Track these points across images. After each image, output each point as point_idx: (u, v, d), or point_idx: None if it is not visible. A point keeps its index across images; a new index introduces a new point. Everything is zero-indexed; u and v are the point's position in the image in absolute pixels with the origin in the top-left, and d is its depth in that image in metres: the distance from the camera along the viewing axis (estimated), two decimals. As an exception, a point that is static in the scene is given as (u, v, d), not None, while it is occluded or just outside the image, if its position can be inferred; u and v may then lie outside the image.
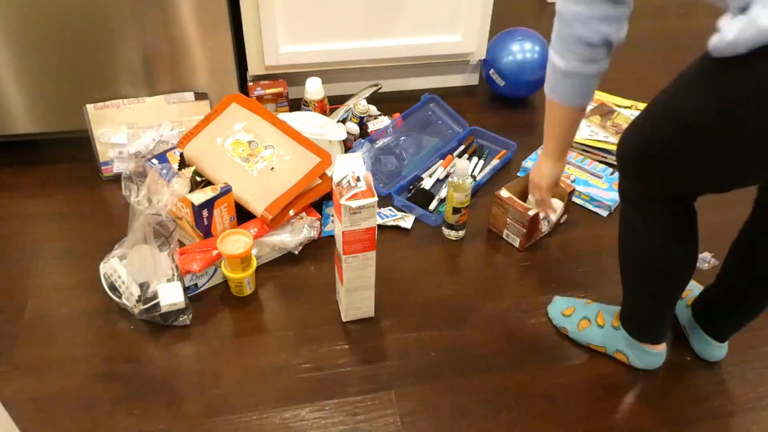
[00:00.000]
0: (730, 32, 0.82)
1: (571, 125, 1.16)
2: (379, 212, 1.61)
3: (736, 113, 0.86)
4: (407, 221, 1.59)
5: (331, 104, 1.89)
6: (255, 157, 1.52)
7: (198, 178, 1.50)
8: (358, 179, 1.20)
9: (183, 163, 1.53)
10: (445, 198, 1.62)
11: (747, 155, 0.89)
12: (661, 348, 1.27)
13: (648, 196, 1.07)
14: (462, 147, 1.83)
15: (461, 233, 1.56)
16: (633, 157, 1.05)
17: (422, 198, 1.64)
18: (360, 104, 1.79)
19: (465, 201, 1.50)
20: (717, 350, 1.31)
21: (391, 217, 1.59)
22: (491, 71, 1.97)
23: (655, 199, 1.07)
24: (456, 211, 1.51)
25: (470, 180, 1.50)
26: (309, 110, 1.83)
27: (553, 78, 1.10)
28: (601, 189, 1.68)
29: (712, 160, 0.93)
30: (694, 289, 1.38)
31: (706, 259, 1.53)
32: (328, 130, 1.63)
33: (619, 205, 1.17)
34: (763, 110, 0.84)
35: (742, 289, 1.21)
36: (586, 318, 1.34)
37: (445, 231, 1.57)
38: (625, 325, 1.27)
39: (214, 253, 1.38)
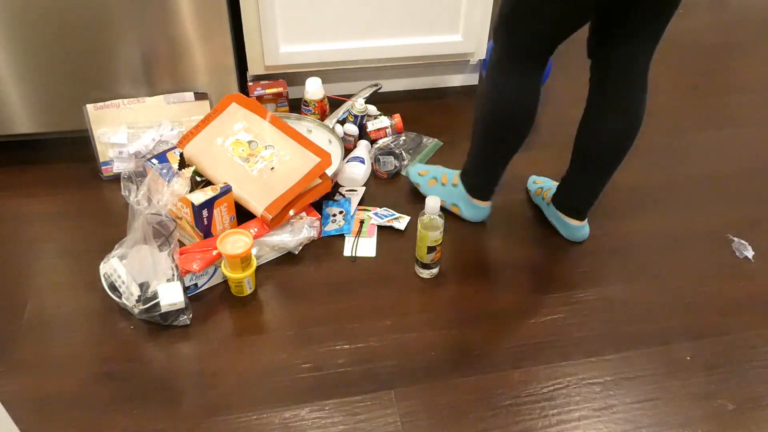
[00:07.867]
0: None
1: None
2: (376, 212, 1.61)
3: None
4: (401, 222, 1.59)
5: (331, 104, 1.89)
6: (255, 157, 1.52)
7: (198, 178, 1.50)
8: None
9: (183, 163, 1.53)
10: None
11: None
12: (487, 204, 1.56)
13: (510, 54, 1.30)
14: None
15: (435, 271, 1.47)
16: (497, 22, 1.29)
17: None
18: (358, 103, 1.79)
19: (439, 238, 1.42)
20: (578, 230, 1.54)
21: (388, 217, 1.59)
22: (491, 71, 1.96)
23: (515, 56, 1.29)
24: (431, 249, 1.42)
25: (442, 218, 1.42)
26: (309, 110, 1.83)
27: None
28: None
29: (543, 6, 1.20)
30: (552, 187, 1.59)
31: (746, 249, 1.55)
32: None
33: (487, 70, 1.37)
34: None
35: (580, 166, 1.46)
36: (434, 178, 1.62)
37: (419, 270, 1.47)
38: (463, 181, 1.54)
39: (214, 253, 1.38)
